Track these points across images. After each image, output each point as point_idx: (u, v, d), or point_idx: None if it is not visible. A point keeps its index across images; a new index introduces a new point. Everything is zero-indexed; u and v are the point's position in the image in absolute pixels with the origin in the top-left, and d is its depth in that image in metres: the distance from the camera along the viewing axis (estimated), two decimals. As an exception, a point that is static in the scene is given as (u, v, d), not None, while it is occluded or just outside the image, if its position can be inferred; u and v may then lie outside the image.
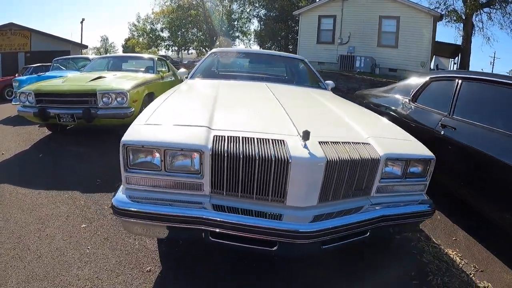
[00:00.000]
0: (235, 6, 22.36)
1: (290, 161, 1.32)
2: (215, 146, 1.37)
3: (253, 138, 1.43)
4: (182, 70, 3.62)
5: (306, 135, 1.39)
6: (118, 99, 3.69)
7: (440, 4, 15.09)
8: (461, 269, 1.87)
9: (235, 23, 22.94)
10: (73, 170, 3.15)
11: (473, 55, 14.71)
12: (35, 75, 6.76)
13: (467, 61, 14.38)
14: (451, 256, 2.00)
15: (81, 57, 9.00)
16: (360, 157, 1.45)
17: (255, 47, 24.88)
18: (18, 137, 4.54)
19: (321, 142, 1.44)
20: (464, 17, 13.79)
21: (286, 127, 1.58)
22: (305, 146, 1.38)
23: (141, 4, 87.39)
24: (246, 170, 1.37)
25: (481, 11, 13.82)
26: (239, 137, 1.43)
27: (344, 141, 1.52)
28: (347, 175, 1.45)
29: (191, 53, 23.43)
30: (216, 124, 1.55)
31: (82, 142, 4.22)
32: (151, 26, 20.39)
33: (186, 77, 3.37)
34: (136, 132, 1.47)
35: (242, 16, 23.16)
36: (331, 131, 1.70)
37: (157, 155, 1.42)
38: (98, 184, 2.79)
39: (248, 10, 22.60)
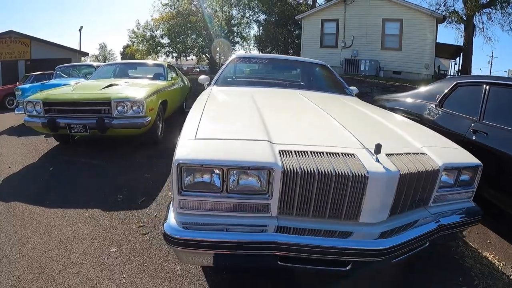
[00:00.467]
0: (234, 12, 22.32)
1: (367, 176, 1.24)
2: (286, 163, 1.24)
3: (323, 153, 1.32)
4: (203, 76, 3.43)
5: (378, 149, 1.31)
6: (134, 107, 3.48)
7: (440, 6, 15.13)
8: (501, 272, 1.87)
9: (235, 28, 22.89)
10: (89, 185, 2.92)
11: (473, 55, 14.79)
12: (38, 84, 6.53)
13: (469, 62, 14.36)
14: (490, 259, 2.00)
15: (84, 64, 8.82)
16: (424, 168, 1.41)
17: (255, 52, 24.82)
18: (24, 148, 4.30)
19: (388, 155, 1.37)
20: (465, 18, 13.77)
21: (346, 139, 1.49)
22: (378, 160, 1.31)
23: (140, 11, 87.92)
24: (321, 188, 1.26)
25: (482, 11, 13.82)
26: (307, 152, 1.32)
27: (405, 153, 1.47)
28: (413, 187, 1.40)
29: (191, 59, 23.25)
30: (276, 137, 1.41)
31: (94, 153, 3.99)
32: (151, 32, 20.20)
33: (208, 84, 3.20)
34: (192, 149, 1.28)
35: (242, 22, 23.13)
36: (389, 142, 1.60)
37: (217, 174, 1.24)
38: (119, 200, 2.56)
39: (247, 15, 22.58)
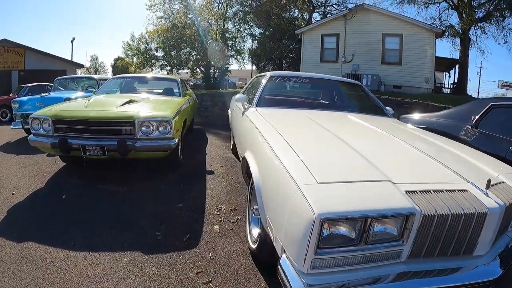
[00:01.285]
0: (230, 25, 22.37)
1: (487, 212, 1.26)
2: (423, 206, 1.19)
3: (442, 190, 1.30)
4: (241, 96, 3.14)
5: (488, 184, 1.33)
6: (161, 128, 3.10)
7: (435, 20, 15.57)
8: None
9: (230, 42, 22.90)
10: (116, 218, 2.50)
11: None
12: (37, 96, 6.03)
13: (465, 75, 14.69)
14: None
15: (85, 77, 8.37)
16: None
17: (249, 66, 24.81)
18: (26, 169, 3.81)
19: (487, 186, 1.35)
20: (461, 32, 14.14)
21: (445, 172, 1.48)
22: (488, 195, 1.32)
23: (131, 24, 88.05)
24: (451, 227, 1.25)
25: (476, 25, 14.24)
26: (429, 190, 1.28)
27: (496, 183, 1.47)
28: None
29: (186, 72, 23.00)
30: (390, 175, 1.35)
31: (109, 175, 3.56)
32: (146, 45, 19.90)
33: (247, 105, 3.01)
34: (329, 199, 1.12)
35: (237, 35, 23.19)
36: (476, 172, 1.60)
37: (357, 225, 1.13)
38: (160, 239, 2.16)
39: (242, 29, 22.65)
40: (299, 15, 21.24)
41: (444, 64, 16.40)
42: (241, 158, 2.50)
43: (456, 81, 15.66)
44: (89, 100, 3.71)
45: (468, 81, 16.35)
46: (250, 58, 23.85)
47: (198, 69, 22.11)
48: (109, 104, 3.48)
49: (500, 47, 28.87)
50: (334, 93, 3.81)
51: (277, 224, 1.30)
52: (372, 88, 12.16)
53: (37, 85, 10.32)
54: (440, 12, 15.37)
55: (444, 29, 14.16)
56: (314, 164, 1.35)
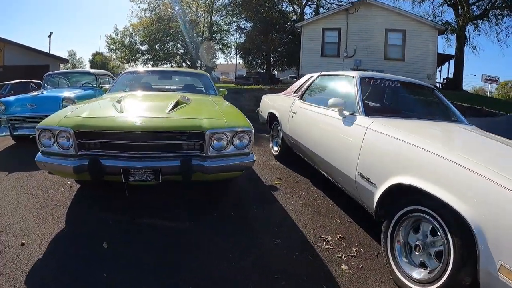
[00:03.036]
0: (217, 17, 21.37)
1: None
2: None
3: None
4: (337, 100, 2.46)
5: None
6: (237, 141, 2.30)
7: (429, 16, 15.60)
8: None
9: (218, 35, 21.91)
10: (202, 275, 1.70)
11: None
12: (28, 95, 4.89)
13: (460, 70, 14.91)
14: None
15: (80, 71, 7.14)
16: None
17: (233, 60, 23.95)
18: (29, 198, 2.81)
19: None
20: (457, 29, 14.25)
21: None
22: None
23: (110, 19, 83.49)
24: None
25: (471, 23, 14.42)
26: None
27: None
28: None
29: (172, 66, 21.74)
30: None
31: (153, 202, 2.70)
32: (130, 39, 18.38)
33: (347, 113, 2.47)
34: None
35: (224, 29, 22.29)
36: None
37: None
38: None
39: (228, 21, 21.72)
40: (290, 8, 20.61)
41: (437, 60, 16.55)
42: (380, 185, 1.85)
43: (450, 76, 15.86)
44: (118, 102, 2.75)
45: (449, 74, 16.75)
46: (237, 52, 22.95)
47: (184, 64, 20.95)
48: (155, 108, 2.60)
49: (489, 43, 30.28)
50: (412, 99, 3.33)
51: None
52: (377, 85, 11.86)
53: (20, 82, 8.98)
54: (434, 8, 15.43)
55: (445, 26, 14.16)
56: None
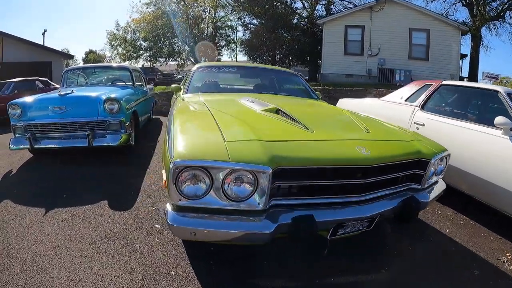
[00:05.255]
0: (222, 13, 20.67)
1: None
2: None
3: None
4: (505, 120, 2.21)
5: None
6: (439, 166, 1.94)
7: (442, 15, 15.57)
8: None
9: (223, 31, 21.23)
10: None
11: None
12: (53, 95, 3.80)
13: (475, 70, 15.01)
14: None
15: (111, 66, 6.11)
16: None
17: (240, 58, 23.37)
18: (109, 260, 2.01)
19: None
20: (473, 29, 14.28)
21: None
22: None
23: (106, 18, 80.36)
24: None
25: (486, 24, 14.50)
26: None
27: None
28: None
29: (173, 64, 20.84)
30: None
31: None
32: (132, 35, 17.39)
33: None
34: None
35: (228, 25, 21.61)
36: None
37: None
38: None
39: (231, 17, 21.06)
40: (300, 4, 20.12)
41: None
42: None
43: (463, 75, 15.94)
44: (272, 112, 2.01)
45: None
46: (243, 48, 22.31)
47: (189, 61, 20.19)
48: (342, 127, 2.07)
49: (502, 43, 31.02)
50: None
51: None
52: (405, 84, 11.67)
53: (25, 80, 7.99)
54: (447, 8, 15.42)
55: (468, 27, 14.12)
56: None
